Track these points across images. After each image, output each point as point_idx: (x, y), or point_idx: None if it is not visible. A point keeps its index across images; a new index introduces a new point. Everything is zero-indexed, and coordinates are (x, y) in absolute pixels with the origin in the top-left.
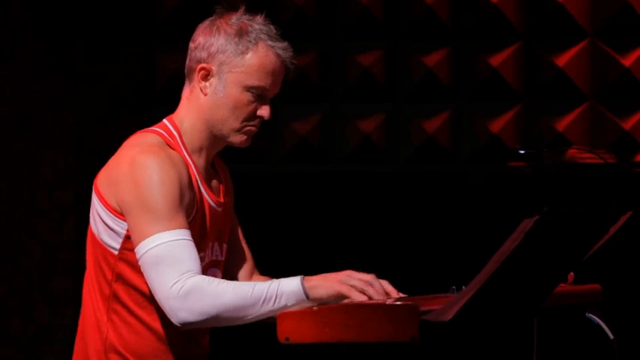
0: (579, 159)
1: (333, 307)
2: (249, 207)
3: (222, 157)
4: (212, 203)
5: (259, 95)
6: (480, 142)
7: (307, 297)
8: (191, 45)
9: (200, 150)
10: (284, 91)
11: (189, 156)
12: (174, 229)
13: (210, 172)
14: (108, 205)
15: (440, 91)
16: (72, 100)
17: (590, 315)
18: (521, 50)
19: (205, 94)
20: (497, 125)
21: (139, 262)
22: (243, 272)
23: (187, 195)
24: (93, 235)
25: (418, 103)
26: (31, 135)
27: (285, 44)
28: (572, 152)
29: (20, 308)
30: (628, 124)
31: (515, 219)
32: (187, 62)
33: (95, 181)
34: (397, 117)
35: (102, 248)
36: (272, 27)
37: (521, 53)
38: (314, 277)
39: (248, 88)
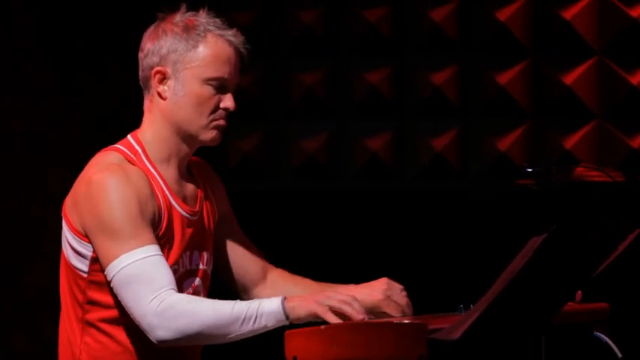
0: (587, 177)
1: (341, 325)
2: (256, 225)
3: (224, 176)
4: (184, 213)
5: (219, 87)
6: (487, 160)
7: (287, 317)
8: (140, 55)
9: (168, 159)
10: (292, 108)
11: (155, 168)
12: (140, 246)
13: (182, 182)
14: (73, 228)
15: (447, 109)
16: (78, 116)
17: (598, 333)
18: (528, 68)
19: (165, 98)
20: (504, 143)
21: (111, 285)
22: (254, 271)
23: (150, 208)
24: (64, 258)
25: (425, 120)
26: (38, 151)
27: (233, 31)
28: (579, 170)
29: (26, 324)
30: (636, 142)
31: (523, 237)
32: (140, 73)
33: (63, 204)
34: (404, 134)
35: (72, 272)
36: (217, 19)
37: (529, 71)
38: (295, 298)
39: (206, 81)
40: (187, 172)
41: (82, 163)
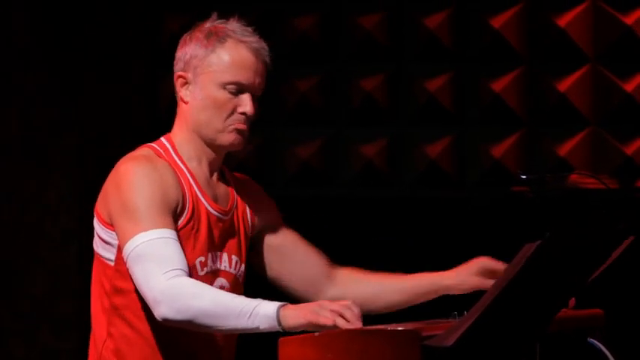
0: (582, 184)
1: (335, 332)
2: None
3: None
4: (213, 211)
5: (237, 92)
6: (482, 167)
7: (279, 324)
8: (173, 64)
9: (199, 159)
10: (287, 114)
11: (185, 164)
12: (156, 228)
13: (213, 182)
14: (101, 218)
15: (443, 116)
16: (76, 123)
17: (593, 340)
18: (523, 75)
19: (186, 103)
20: (499, 150)
21: (127, 264)
22: (315, 273)
23: (173, 197)
24: (94, 252)
25: (421, 127)
26: (35, 159)
27: (256, 38)
28: (574, 177)
29: (24, 332)
30: (630, 149)
31: (518, 244)
32: (174, 81)
33: (96, 202)
34: (400, 141)
35: (100, 262)
36: (246, 26)
37: (524, 78)
38: (291, 306)
39: (223, 85)
40: (222, 177)
41: (80, 171)
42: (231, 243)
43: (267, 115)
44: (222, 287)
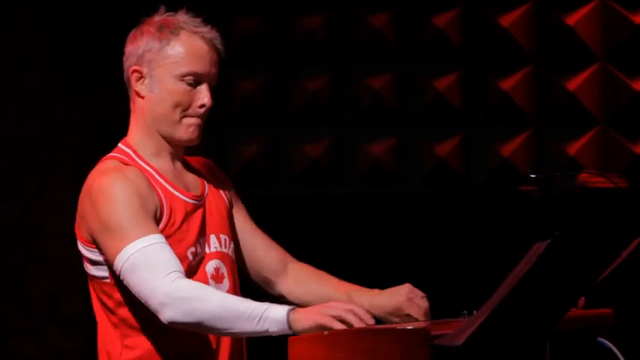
0: (590, 183)
1: (344, 331)
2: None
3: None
4: (188, 199)
5: (194, 82)
6: (490, 166)
7: (289, 327)
8: (123, 58)
9: (158, 154)
10: (294, 114)
11: (148, 164)
12: (144, 235)
13: (179, 172)
14: (84, 240)
15: (451, 115)
16: (76, 123)
17: (602, 339)
18: (532, 74)
19: (142, 97)
20: (508, 149)
21: (121, 277)
22: (272, 262)
23: (150, 202)
24: (87, 274)
25: (429, 126)
26: (38, 159)
27: (207, 28)
28: (583, 176)
29: (31, 331)
30: (639, 147)
31: (527, 243)
32: (124, 76)
33: (75, 225)
34: (408, 141)
35: (97, 283)
36: (194, 17)
37: (532, 77)
38: (301, 310)
39: (180, 77)
40: (185, 166)
41: (83, 169)
42: (216, 223)
43: (274, 115)
44: (217, 268)
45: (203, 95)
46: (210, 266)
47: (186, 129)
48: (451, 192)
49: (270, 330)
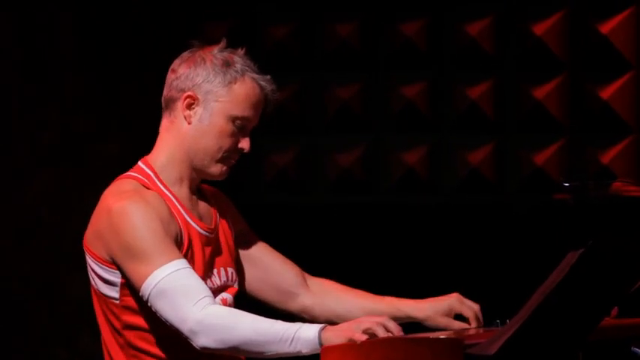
0: (624, 192)
1: (377, 340)
2: (291, 239)
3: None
4: (202, 231)
5: (241, 127)
6: (523, 175)
7: (321, 346)
8: (171, 75)
9: (180, 181)
10: (328, 122)
11: (169, 190)
12: (170, 261)
13: (195, 201)
14: (99, 258)
15: (484, 123)
16: (116, 129)
17: (636, 349)
18: (565, 82)
19: (189, 123)
20: (541, 157)
21: (149, 304)
22: (290, 276)
23: (172, 229)
24: (94, 290)
25: (462, 134)
26: (76, 166)
27: (268, 77)
28: (617, 185)
29: (65, 337)
30: None
31: (560, 252)
32: (166, 93)
33: (84, 239)
34: (441, 148)
35: (105, 301)
36: (252, 61)
37: (566, 85)
38: (331, 327)
39: (233, 119)
40: (200, 195)
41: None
42: (223, 257)
43: (307, 123)
44: (224, 299)
45: (245, 141)
46: (218, 299)
47: (221, 168)
48: (484, 200)
49: (303, 351)
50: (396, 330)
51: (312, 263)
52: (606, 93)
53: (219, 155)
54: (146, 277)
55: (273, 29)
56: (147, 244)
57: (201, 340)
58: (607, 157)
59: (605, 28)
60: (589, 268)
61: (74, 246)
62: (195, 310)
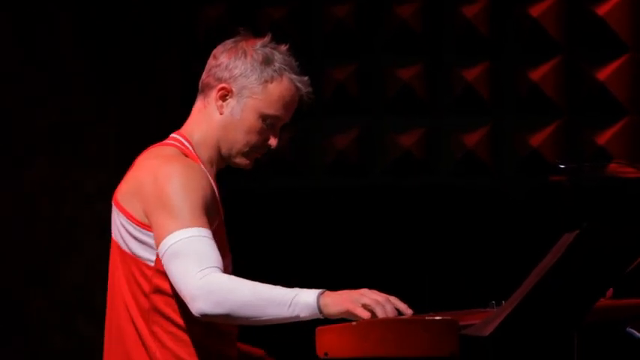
0: (620, 173)
1: (373, 321)
2: (287, 221)
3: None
4: (222, 215)
5: (271, 125)
6: (519, 157)
7: (320, 312)
8: (212, 62)
9: (211, 163)
10: (323, 104)
11: (204, 167)
12: (195, 226)
13: (216, 184)
14: (133, 218)
15: (480, 105)
16: (114, 115)
17: (631, 329)
18: (561, 64)
19: (221, 113)
20: (537, 139)
21: (162, 260)
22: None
23: (211, 204)
24: (123, 251)
25: (458, 117)
26: (73, 150)
27: (305, 78)
28: (612, 166)
29: (62, 322)
30: None
31: (556, 234)
32: (205, 77)
33: (115, 196)
34: (437, 131)
35: (136, 262)
36: (293, 59)
37: (562, 67)
38: (331, 294)
39: (264, 117)
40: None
41: (117, 164)
42: (228, 244)
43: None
44: None
45: (274, 139)
46: None
47: (246, 160)
48: (480, 182)
49: (301, 315)
50: (392, 312)
51: (310, 246)
52: (602, 75)
53: (246, 149)
54: (168, 234)
55: (270, 10)
56: (181, 203)
57: (199, 304)
58: (603, 138)
59: (601, 9)
60: (584, 250)
61: (70, 231)
62: (199, 277)
